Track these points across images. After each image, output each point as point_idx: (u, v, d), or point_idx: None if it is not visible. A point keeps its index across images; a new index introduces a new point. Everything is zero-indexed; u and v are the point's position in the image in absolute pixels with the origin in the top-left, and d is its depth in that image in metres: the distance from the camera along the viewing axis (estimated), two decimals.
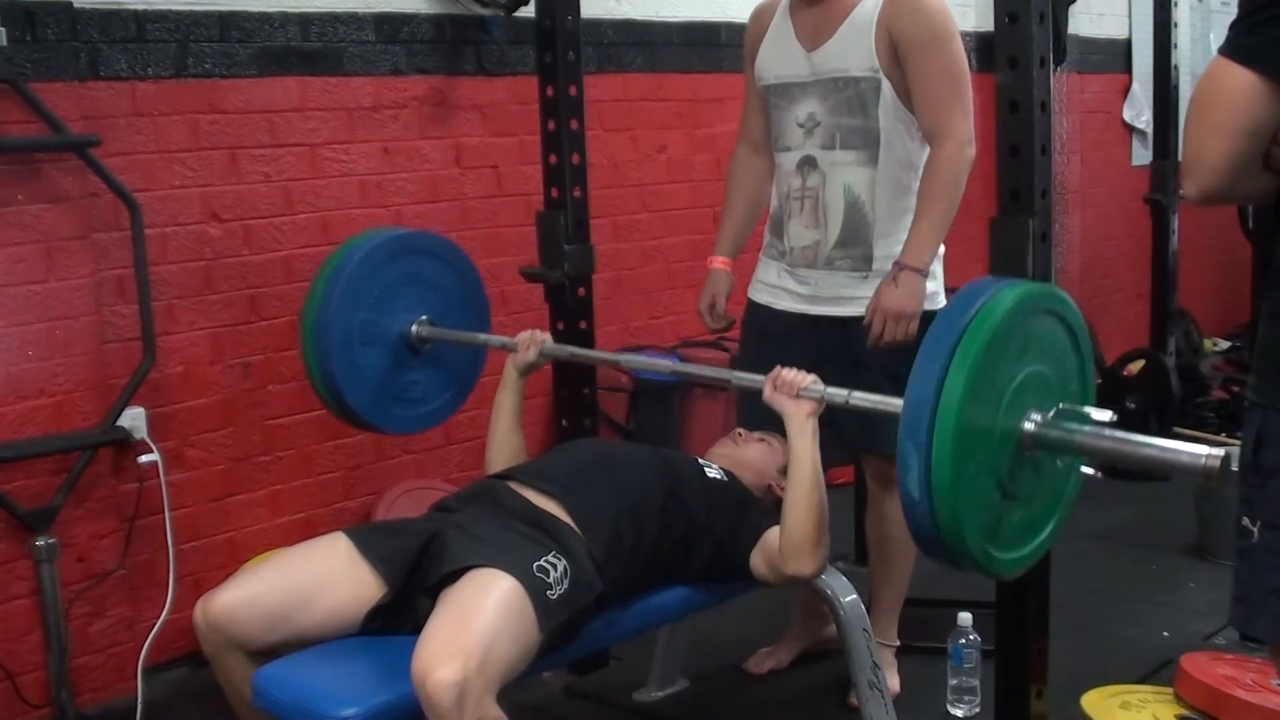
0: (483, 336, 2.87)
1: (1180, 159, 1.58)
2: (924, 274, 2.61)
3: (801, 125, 2.77)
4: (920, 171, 2.72)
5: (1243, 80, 1.50)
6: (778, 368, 2.33)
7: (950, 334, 1.84)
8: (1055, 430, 1.90)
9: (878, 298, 2.62)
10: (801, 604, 3.10)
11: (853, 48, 2.67)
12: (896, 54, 2.63)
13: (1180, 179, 1.56)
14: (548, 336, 2.74)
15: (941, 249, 2.76)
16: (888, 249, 2.72)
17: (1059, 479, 2.01)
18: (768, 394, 2.31)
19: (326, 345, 2.70)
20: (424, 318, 2.82)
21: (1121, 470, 4.71)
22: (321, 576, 2.15)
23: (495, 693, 1.93)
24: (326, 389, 2.75)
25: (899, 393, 2.71)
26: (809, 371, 2.82)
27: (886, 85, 2.65)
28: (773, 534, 2.35)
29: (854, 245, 2.74)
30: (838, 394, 2.26)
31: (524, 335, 2.72)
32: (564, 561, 2.13)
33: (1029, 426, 1.89)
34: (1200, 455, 1.78)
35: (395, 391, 2.82)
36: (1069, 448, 1.91)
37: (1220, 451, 1.76)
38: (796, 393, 2.28)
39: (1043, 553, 2.07)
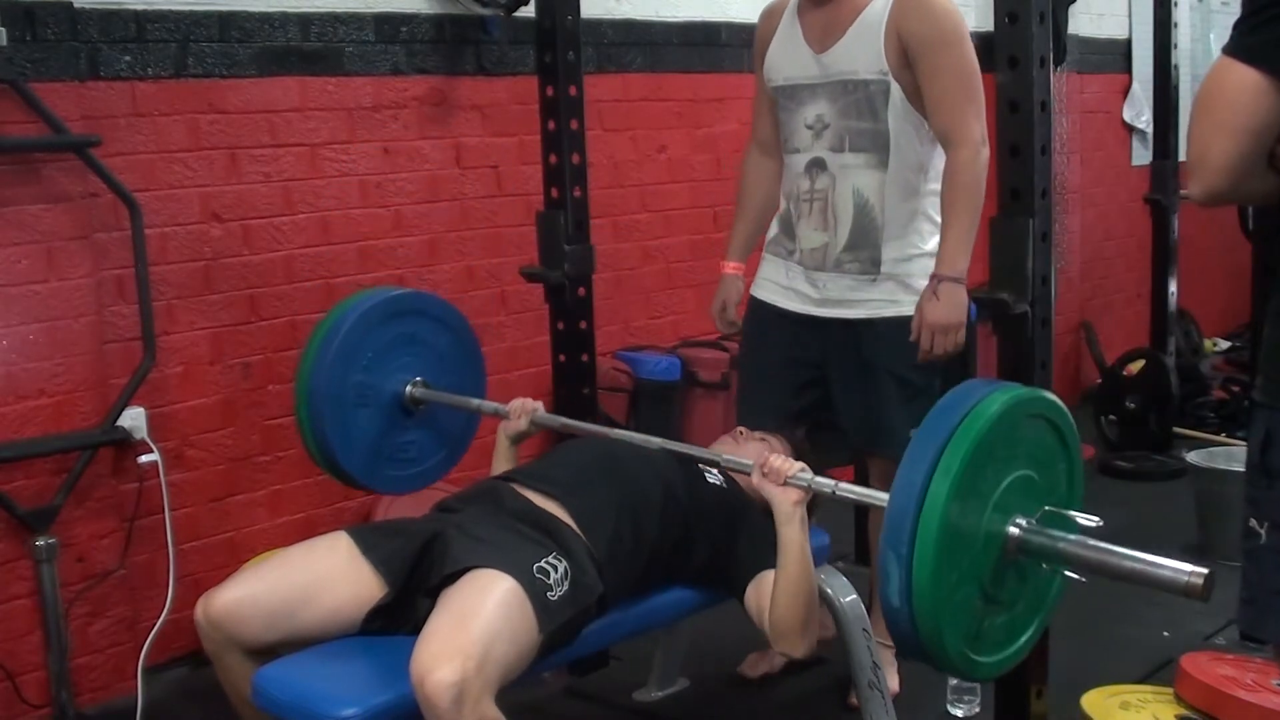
0: (475, 402, 2.83)
1: (1185, 159, 1.57)
2: (962, 282, 2.58)
3: (810, 127, 2.75)
4: (929, 173, 2.71)
5: (1247, 79, 1.49)
6: (766, 456, 2.32)
7: (935, 441, 1.81)
8: (1040, 537, 1.87)
9: (921, 313, 2.59)
10: None
11: (862, 50, 2.65)
12: (906, 56, 2.61)
13: (1185, 180, 1.56)
14: (539, 405, 2.70)
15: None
16: (896, 251, 2.71)
17: (1043, 582, 1.99)
18: (756, 479, 2.29)
19: (320, 409, 2.67)
20: (418, 379, 2.79)
21: (1121, 471, 4.73)
22: (322, 576, 2.15)
23: (494, 693, 1.93)
24: (320, 451, 2.73)
25: (904, 394, 2.73)
26: (815, 370, 2.82)
27: (896, 88, 2.63)
28: (767, 580, 2.32)
29: (862, 248, 2.73)
30: (825, 484, 2.22)
31: (516, 403, 2.70)
32: (565, 563, 2.13)
33: (1014, 531, 1.87)
34: (1183, 572, 1.75)
35: (389, 452, 2.80)
36: (1053, 556, 1.88)
37: (1204, 570, 1.73)
38: (784, 480, 2.25)
39: (1025, 654, 2.05)
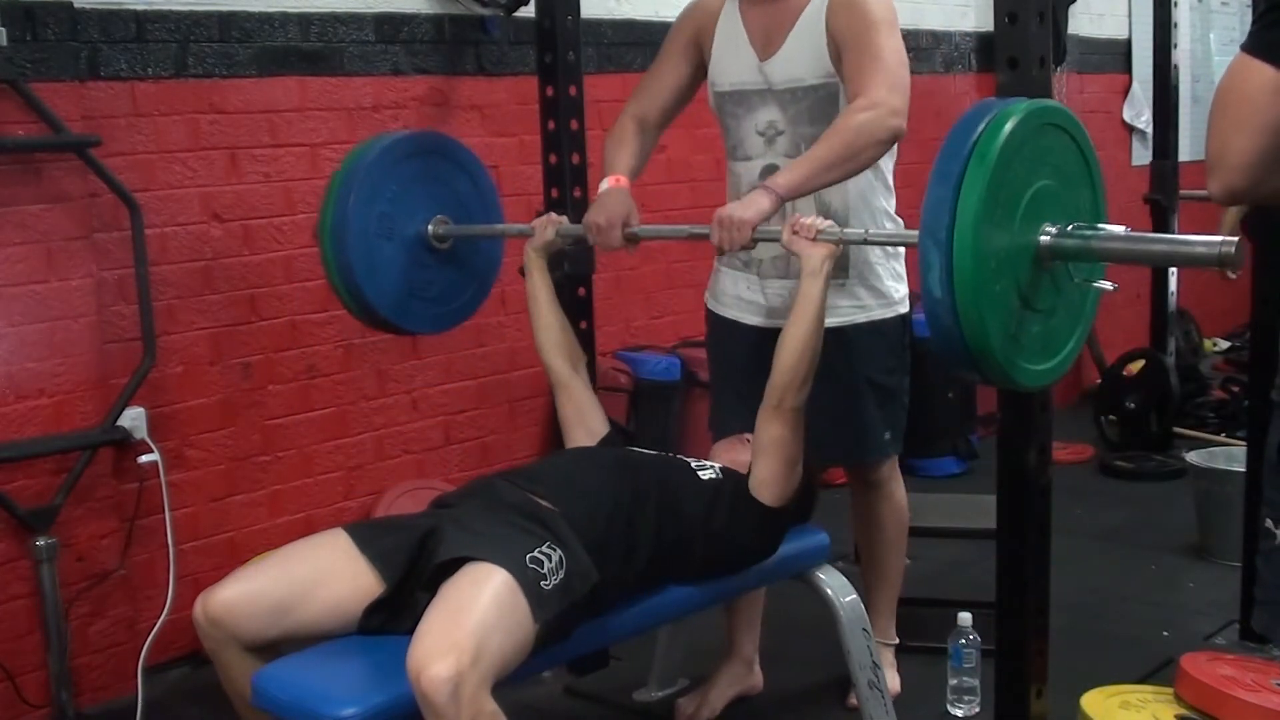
0: (499, 226, 2.89)
1: (1203, 158, 1.57)
2: (779, 199, 2.44)
3: (761, 134, 2.69)
4: (882, 172, 2.69)
5: (1266, 76, 1.47)
6: (796, 215, 2.41)
7: (965, 139, 1.93)
8: (1070, 239, 1.98)
9: (721, 208, 2.47)
10: (729, 644, 3.00)
11: (805, 55, 2.59)
12: (840, 49, 2.54)
13: (1205, 178, 1.55)
14: (564, 219, 2.73)
15: (904, 250, 2.72)
16: (863, 253, 2.69)
17: (1078, 294, 2.10)
18: (786, 237, 2.37)
19: (344, 240, 2.67)
20: (439, 216, 2.81)
21: (1121, 471, 4.73)
22: (320, 572, 2.15)
23: (490, 686, 1.93)
24: (345, 286, 2.71)
25: (879, 398, 2.71)
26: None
27: (843, 89, 2.57)
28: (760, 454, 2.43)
29: None
30: (854, 233, 2.36)
31: (539, 220, 2.74)
32: (559, 551, 2.12)
33: (1044, 239, 1.99)
34: (1215, 243, 1.85)
35: (415, 290, 2.81)
36: (1085, 254, 2.00)
37: (1233, 239, 1.82)
38: (815, 235, 2.34)
39: (1065, 370, 2.15)
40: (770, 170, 2.67)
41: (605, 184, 2.70)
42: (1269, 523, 1.61)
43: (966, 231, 1.88)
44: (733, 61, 2.70)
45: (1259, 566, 1.66)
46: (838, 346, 2.68)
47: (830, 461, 3.02)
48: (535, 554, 2.09)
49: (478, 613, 1.97)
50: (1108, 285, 2.09)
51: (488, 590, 2.01)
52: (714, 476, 2.48)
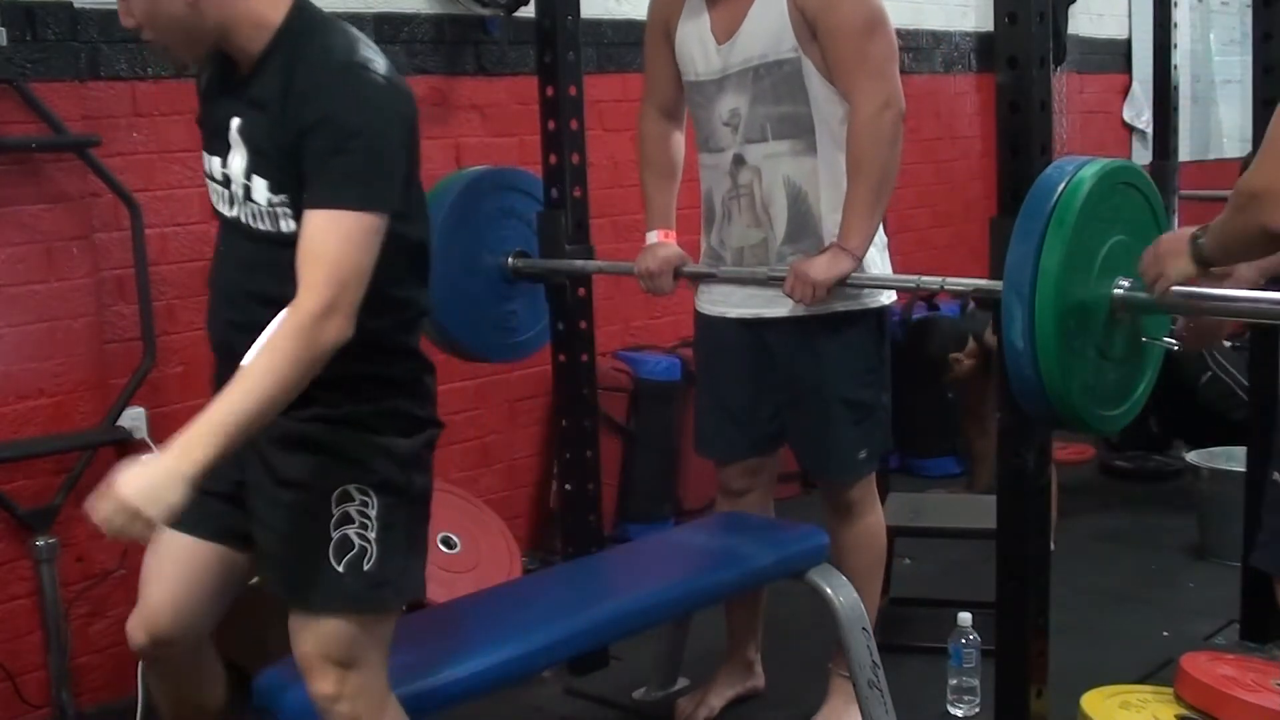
0: (579, 263, 2.97)
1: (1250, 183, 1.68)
2: (857, 259, 2.46)
3: (727, 124, 2.60)
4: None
5: None
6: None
7: (1046, 199, 2.03)
8: (1142, 292, 2.06)
9: (800, 261, 2.49)
10: (730, 645, 2.98)
11: (767, 31, 2.49)
12: (810, 27, 2.46)
13: (1266, 206, 1.65)
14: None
15: (884, 240, 2.63)
16: (831, 229, 2.55)
17: (1144, 347, 2.23)
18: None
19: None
20: (518, 250, 2.96)
21: (1121, 471, 4.73)
22: (205, 575, 2.03)
23: None
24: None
25: (857, 417, 2.62)
26: (782, 392, 2.67)
27: (809, 64, 2.48)
28: None
29: (803, 239, 2.56)
30: (931, 281, 2.40)
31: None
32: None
33: (1118, 292, 2.10)
34: None
35: (495, 321, 2.94)
36: (1155, 307, 2.09)
37: None
38: None
39: (1135, 413, 2.26)
40: (738, 160, 2.60)
41: (654, 237, 2.76)
42: (1276, 475, 1.72)
43: (1048, 289, 2.00)
44: (696, 51, 2.63)
45: (1263, 515, 1.78)
46: (804, 350, 2.61)
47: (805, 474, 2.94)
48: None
49: None
50: (1172, 344, 2.18)
51: None
52: None
